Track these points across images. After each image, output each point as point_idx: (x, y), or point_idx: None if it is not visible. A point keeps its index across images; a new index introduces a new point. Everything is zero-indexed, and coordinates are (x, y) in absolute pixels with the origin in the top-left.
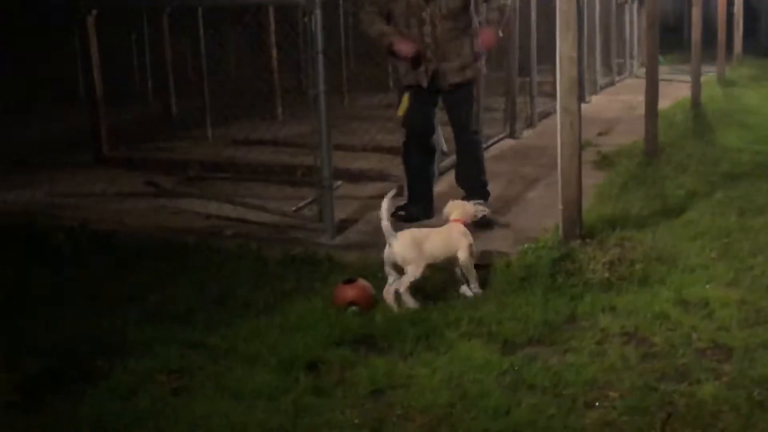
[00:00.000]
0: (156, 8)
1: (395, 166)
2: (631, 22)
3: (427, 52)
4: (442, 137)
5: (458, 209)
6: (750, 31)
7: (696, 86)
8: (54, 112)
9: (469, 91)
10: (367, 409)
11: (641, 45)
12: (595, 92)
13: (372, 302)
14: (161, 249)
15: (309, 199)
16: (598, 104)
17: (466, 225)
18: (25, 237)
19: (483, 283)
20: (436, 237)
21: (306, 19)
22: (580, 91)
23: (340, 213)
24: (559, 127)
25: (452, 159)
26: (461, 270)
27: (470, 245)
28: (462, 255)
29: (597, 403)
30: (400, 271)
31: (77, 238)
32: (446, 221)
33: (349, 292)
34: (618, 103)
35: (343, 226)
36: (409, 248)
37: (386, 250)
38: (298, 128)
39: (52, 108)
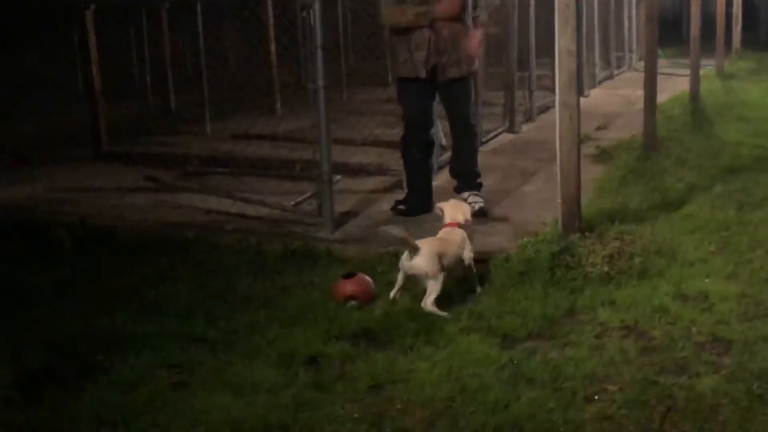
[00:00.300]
0: (155, 3)
1: (394, 161)
2: (630, 16)
3: (429, 46)
4: (441, 131)
5: (449, 210)
6: (749, 24)
7: (695, 80)
8: (53, 108)
9: (466, 84)
10: (366, 404)
11: (640, 39)
12: (593, 86)
13: (371, 296)
14: (161, 244)
15: (308, 194)
16: (597, 98)
17: (462, 226)
18: (25, 232)
19: (482, 278)
20: (452, 247)
21: (305, 14)
22: (579, 85)
23: (339, 207)
24: (557, 121)
25: (448, 154)
26: (466, 272)
27: (470, 246)
28: (467, 258)
29: (596, 397)
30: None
31: (77, 233)
32: (440, 212)
33: (349, 287)
34: (617, 97)
35: (342, 220)
36: (431, 263)
37: (405, 262)
38: (297, 123)
39: (52, 103)
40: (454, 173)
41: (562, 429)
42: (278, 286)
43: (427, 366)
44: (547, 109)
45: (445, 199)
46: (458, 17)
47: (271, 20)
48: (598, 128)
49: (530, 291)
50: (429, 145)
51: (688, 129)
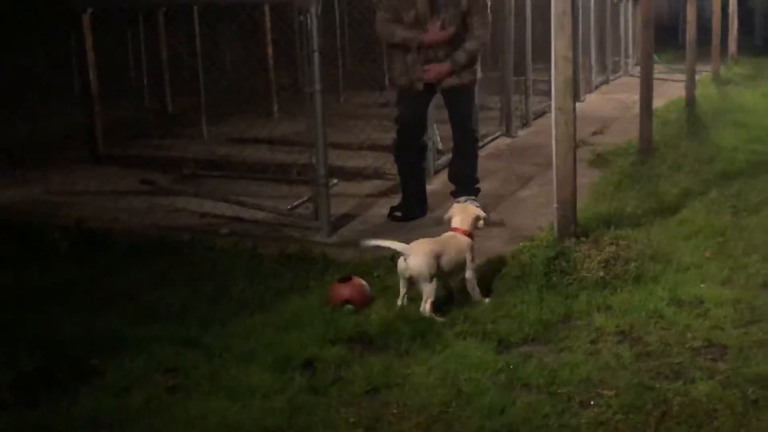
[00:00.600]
0: (152, 6)
1: (391, 164)
2: (626, 21)
3: (427, 57)
4: (438, 135)
5: (459, 214)
6: (745, 30)
7: (691, 85)
8: (49, 110)
9: (469, 91)
10: (362, 408)
11: (636, 44)
12: (590, 91)
13: (367, 300)
14: (156, 247)
15: (304, 197)
16: (593, 103)
17: (467, 234)
18: (20, 234)
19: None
20: (450, 250)
21: (302, 18)
22: (575, 89)
23: (335, 211)
24: (554, 125)
25: (448, 157)
26: (466, 281)
27: (474, 257)
28: (469, 266)
29: (592, 402)
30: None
31: (72, 235)
32: (447, 222)
33: (345, 291)
34: (613, 101)
35: (338, 224)
36: (426, 263)
37: (401, 264)
38: (293, 126)
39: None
40: (452, 178)
41: None
42: (274, 289)
43: (423, 370)
44: (543, 113)
45: (443, 203)
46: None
47: (268, 24)
48: (594, 133)
49: (526, 295)
50: (421, 149)
51: (684, 134)
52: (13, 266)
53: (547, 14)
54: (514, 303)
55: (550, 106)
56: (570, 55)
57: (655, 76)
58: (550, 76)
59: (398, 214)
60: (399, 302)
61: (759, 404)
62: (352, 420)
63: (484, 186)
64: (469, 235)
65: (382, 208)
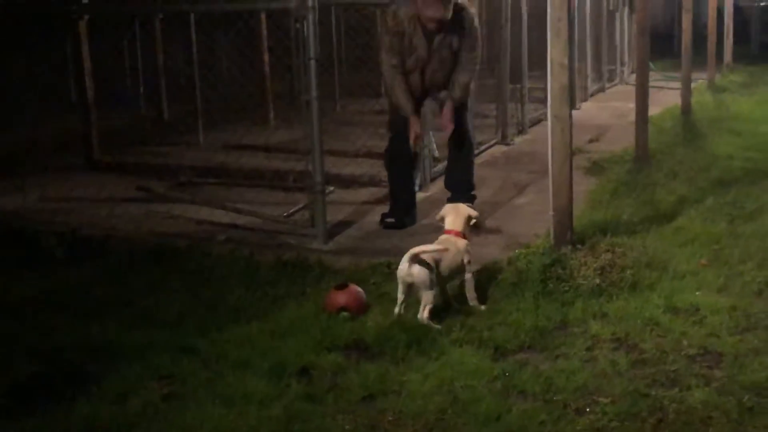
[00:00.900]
0: (148, 13)
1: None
2: (622, 30)
3: (424, 84)
4: (434, 142)
5: (451, 214)
6: (740, 38)
7: (686, 93)
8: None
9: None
10: (358, 415)
11: (632, 52)
12: (585, 99)
13: (364, 308)
14: (153, 254)
15: (301, 205)
16: (588, 111)
17: (462, 236)
18: (16, 242)
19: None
20: (448, 254)
21: (298, 25)
22: (571, 97)
23: (331, 218)
24: (550, 133)
25: (444, 165)
26: (465, 282)
27: (471, 258)
28: (467, 268)
29: (588, 409)
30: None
31: (69, 242)
32: (440, 221)
33: (341, 298)
34: (609, 109)
35: (334, 231)
36: (427, 270)
37: (403, 271)
38: (290, 134)
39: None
40: (448, 185)
41: None
42: (270, 296)
43: (419, 377)
44: (539, 121)
45: (439, 209)
46: (452, 65)
47: (265, 31)
48: (590, 141)
49: (522, 303)
50: (411, 157)
51: (680, 142)
52: (9, 273)
53: (543, 22)
54: (510, 310)
55: (546, 113)
56: (566, 62)
57: (651, 83)
58: (546, 83)
59: (391, 220)
60: (397, 310)
61: (754, 411)
62: (348, 427)
63: (480, 193)
64: (463, 235)
65: (377, 216)
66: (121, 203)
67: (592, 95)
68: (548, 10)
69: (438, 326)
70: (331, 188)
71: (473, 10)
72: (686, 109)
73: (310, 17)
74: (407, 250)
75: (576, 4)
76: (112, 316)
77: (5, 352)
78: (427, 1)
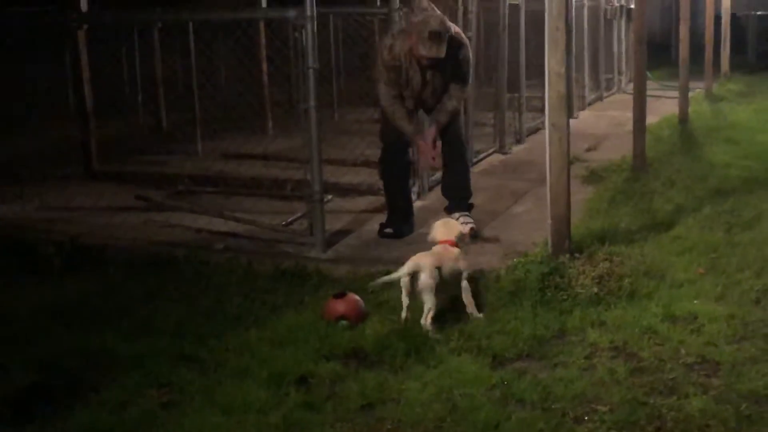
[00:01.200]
0: (147, 22)
1: None
2: (620, 39)
3: (416, 107)
4: None
5: (441, 228)
6: (738, 47)
7: (684, 102)
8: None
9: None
10: (357, 424)
11: (629, 61)
12: (583, 108)
13: (362, 316)
14: (151, 263)
15: (299, 213)
16: (586, 120)
17: (455, 244)
18: (15, 250)
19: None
20: (447, 261)
21: (297, 34)
22: (569, 106)
23: (330, 227)
24: (547, 142)
25: (440, 173)
26: (462, 290)
27: (467, 265)
28: (464, 276)
29: (586, 418)
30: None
31: (67, 251)
32: (432, 243)
33: (339, 306)
34: (606, 118)
35: (333, 240)
36: (431, 277)
37: (407, 280)
38: (288, 142)
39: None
40: (445, 193)
41: None
42: (269, 305)
43: (418, 386)
44: (537, 130)
45: (435, 219)
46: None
47: (263, 40)
48: (588, 149)
49: (520, 311)
50: (407, 165)
51: (677, 151)
52: (8, 281)
53: (540, 31)
54: (509, 318)
55: (543, 122)
56: (563, 71)
57: (649, 93)
58: (543, 92)
59: (389, 230)
60: (404, 314)
61: (752, 419)
62: None
63: (477, 201)
64: (456, 245)
65: (376, 224)
66: (120, 212)
67: (589, 104)
68: (546, 19)
69: (438, 336)
70: (330, 197)
71: (466, 41)
72: (684, 118)
73: (309, 27)
74: (406, 259)
75: (574, 14)
76: (110, 324)
77: (4, 361)
78: (423, 41)
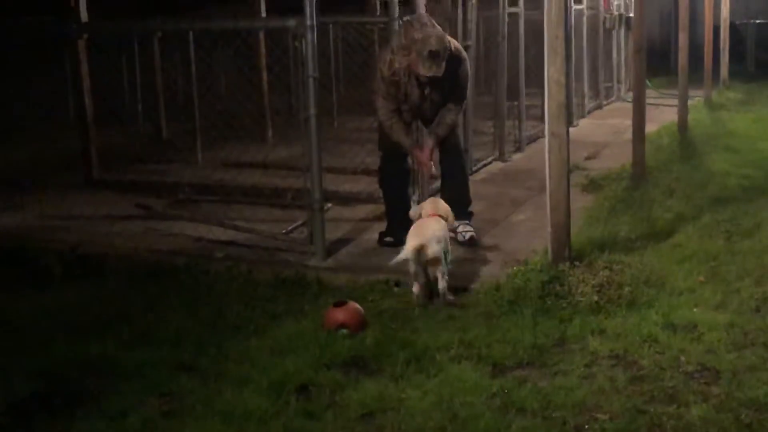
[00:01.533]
0: (147, 31)
1: None
2: (619, 47)
3: (414, 119)
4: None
5: (429, 205)
6: (737, 56)
7: (683, 110)
8: (44, 134)
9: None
10: None
11: (628, 69)
12: (582, 116)
13: (362, 325)
14: (151, 271)
15: (299, 222)
16: (586, 128)
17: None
18: (15, 259)
19: (473, 304)
20: (444, 232)
21: (297, 44)
22: (568, 115)
23: (330, 235)
24: (547, 150)
25: (439, 182)
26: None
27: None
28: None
29: (586, 426)
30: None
31: (67, 260)
32: (418, 216)
33: (340, 315)
34: (606, 126)
35: (333, 248)
36: (440, 247)
37: (413, 253)
38: (288, 151)
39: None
40: (445, 202)
41: None
42: (269, 314)
43: (418, 394)
44: (536, 138)
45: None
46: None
47: (263, 49)
48: (588, 158)
49: (520, 320)
50: (407, 174)
51: (677, 159)
52: (8, 290)
53: (540, 39)
54: (509, 327)
55: (543, 130)
56: (563, 80)
57: (648, 101)
58: (543, 101)
59: (389, 239)
60: (415, 290)
61: (753, 428)
62: None
63: (477, 210)
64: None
65: (376, 233)
66: (120, 221)
67: (589, 112)
68: (545, 27)
69: (453, 297)
70: (330, 205)
71: (465, 56)
72: (683, 126)
73: (309, 36)
74: (406, 266)
75: (573, 22)
76: (111, 333)
77: (5, 369)
78: (423, 60)
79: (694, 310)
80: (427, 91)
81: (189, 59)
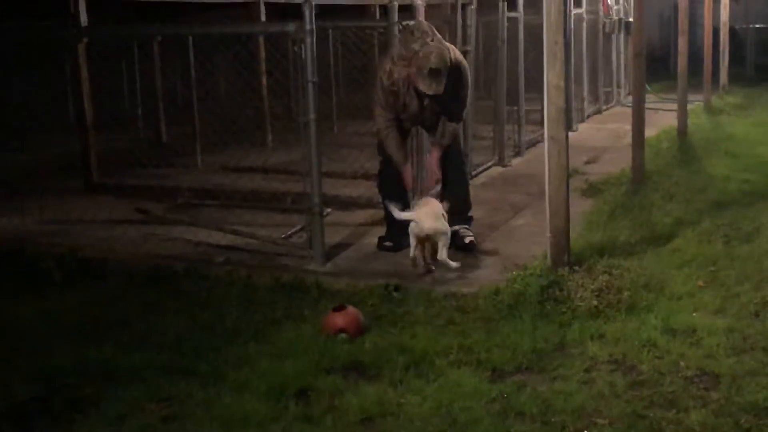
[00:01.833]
0: (147, 36)
1: None
2: (618, 52)
3: (418, 124)
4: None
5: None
6: (736, 60)
7: (682, 115)
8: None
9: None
10: None
11: (628, 74)
12: (582, 120)
13: (361, 329)
14: (151, 276)
15: (298, 226)
16: (585, 132)
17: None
18: (15, 263)
19: (473, 309)
20: (441, 207)
21: (296, 48)
22: (568, 119)
23: (329, 240)
24: (546, 155)
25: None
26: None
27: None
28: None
29: (585, 431)
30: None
31: (67, 265)
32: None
33: (339, 320)
34: (605, 131)
35: (332, 252)
36: (437, 221)
37: (415, 227)
38: (287, 155)
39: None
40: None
41: None
42: (268, 318)
43: (418, 399)
44: (536, 143)
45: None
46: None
47: (263, 54)
48: (587, 162)
49: (519, 324)
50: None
51: (676, 163)
52: (8, 294)
53: (539, 44)
54: (508, 331)
55: (542, 135)
56: (562, 84)
57: (647, 105)
58: (542, 105)
59: (389, 244)
60: (412, 253)
61: None
62: None
63: (477, 214)
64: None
65: (375, 237)
66: (120, 225)
67: (588, 117)
68: (544, 32)
69: (456, 263)
70: (329, 210)
71: (465, 65)
72: (682, 130)
73: (309, 41)
74: (405, 271)
75: (572, 27)
76: (110, 338)
77: (3, 374)
78: (423, 77)
79: (694, 314)
80: (426, 102)
81: (189, 64)
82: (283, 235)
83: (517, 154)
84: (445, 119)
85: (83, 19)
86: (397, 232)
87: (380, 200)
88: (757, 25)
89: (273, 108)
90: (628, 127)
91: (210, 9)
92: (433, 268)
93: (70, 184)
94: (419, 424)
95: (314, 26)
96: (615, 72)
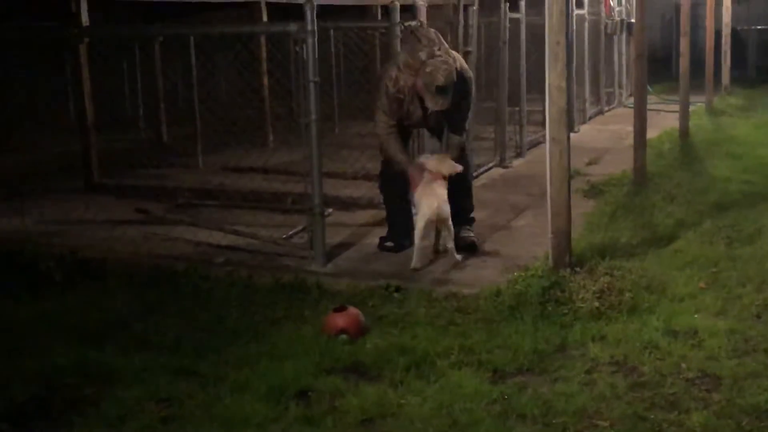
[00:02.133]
0: (148, 36)
1: None
2: (620, 53)
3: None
4: None
5: (434, 161)
6: (738, 62)
7: (684, 116)
8: (45, 139)
9: None
10: None
11: (630, 75)
12: (584, 122)
13: (362, 330)
14: (151, 276)
15: (299, 227)
16: (587, 133)
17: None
18: (14, 264)
19: (474, 310)
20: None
21: (298, 49)
22: (569, 120)
23: (330, 240)
24: (548, 156)
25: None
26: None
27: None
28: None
29: None
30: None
31: (67, 265)
32: (421, 167)
33: (340, 321)
34: (607, 132)
35: (333, 253)
36: (448, 206)
37: (427, 214)
38: (288, 156)
39: (43, 135)
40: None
41: None
42: (268, 319)
43: (418, 400)
44: (537, 144)
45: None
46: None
47: (264, 54)
48: (589, 163)
49: (521, 325)
50: (406, 179)
51: (678, 165)
52: (8, 295)
53: (541, 45)
54: (509, 333)
55: (544, 136)
56: (564, 85)
57: (649, 107)
58: (544, 106)
59: (389, 244)
60: (434, 246)
61: None
62: None
63: (478, 215)
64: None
65: (376, 238)
66: (120, 225)
67: (590, 118)
68: (546, 33)
69: (459, 256)
70: (330, 210)
71: (470, 74)
72: (684, 132)
73: (310, 41)
74: (406, 272)
75: (574, 28)
76: (110, 338)
77: (3, 374)
78: (430, 94)
79: (695, 316)
80: (429, 110)
81: (190, 64)
82: (283, 236)
83: (519, 155)
84: (450, 132)
85: (84, 19)
86: (399, 232)
87: (381, 201)
88: (759, 27)
89: (274, 108)
90: (630, 128)
91: (211, 9)
92: (458, 257)
93: (70, 184)
94: (420, 425)
95: (316, 26)
96: (617, 73)
